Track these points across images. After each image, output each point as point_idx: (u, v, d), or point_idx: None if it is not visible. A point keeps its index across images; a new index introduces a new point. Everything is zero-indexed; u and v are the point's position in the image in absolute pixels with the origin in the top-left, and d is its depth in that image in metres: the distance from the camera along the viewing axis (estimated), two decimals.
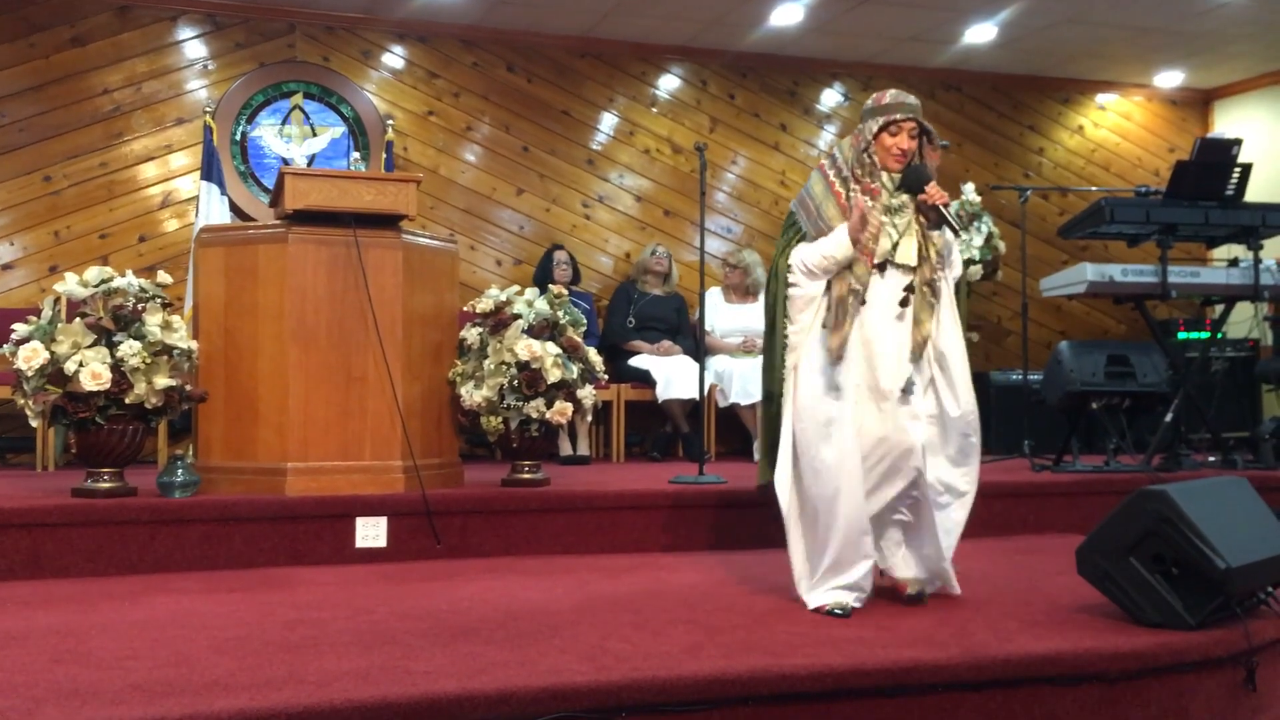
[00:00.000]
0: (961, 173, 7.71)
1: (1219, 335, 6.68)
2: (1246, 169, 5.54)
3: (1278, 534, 3.46)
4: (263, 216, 6.47)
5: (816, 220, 3.36)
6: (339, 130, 6.89)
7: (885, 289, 3.33)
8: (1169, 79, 8.10)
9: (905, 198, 3.34)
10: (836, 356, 3.25)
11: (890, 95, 3.37)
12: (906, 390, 3.31)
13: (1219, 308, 6.03)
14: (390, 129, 6.82)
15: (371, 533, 4.21)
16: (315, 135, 6.85)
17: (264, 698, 2.39)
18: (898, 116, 3.32)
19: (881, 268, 3.32)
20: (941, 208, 3.28)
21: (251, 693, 2.43)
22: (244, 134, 6.73)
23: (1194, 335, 7.06)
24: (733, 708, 2.65)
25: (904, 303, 3.32)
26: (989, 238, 7.19)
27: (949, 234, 3.37)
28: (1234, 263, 5.77)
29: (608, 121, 7.39)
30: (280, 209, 4.49)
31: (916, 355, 3.32)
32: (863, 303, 3.30)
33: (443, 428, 4.65)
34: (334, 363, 4.34)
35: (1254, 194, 5.81)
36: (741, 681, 2.66)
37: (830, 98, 7.78)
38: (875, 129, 3.34)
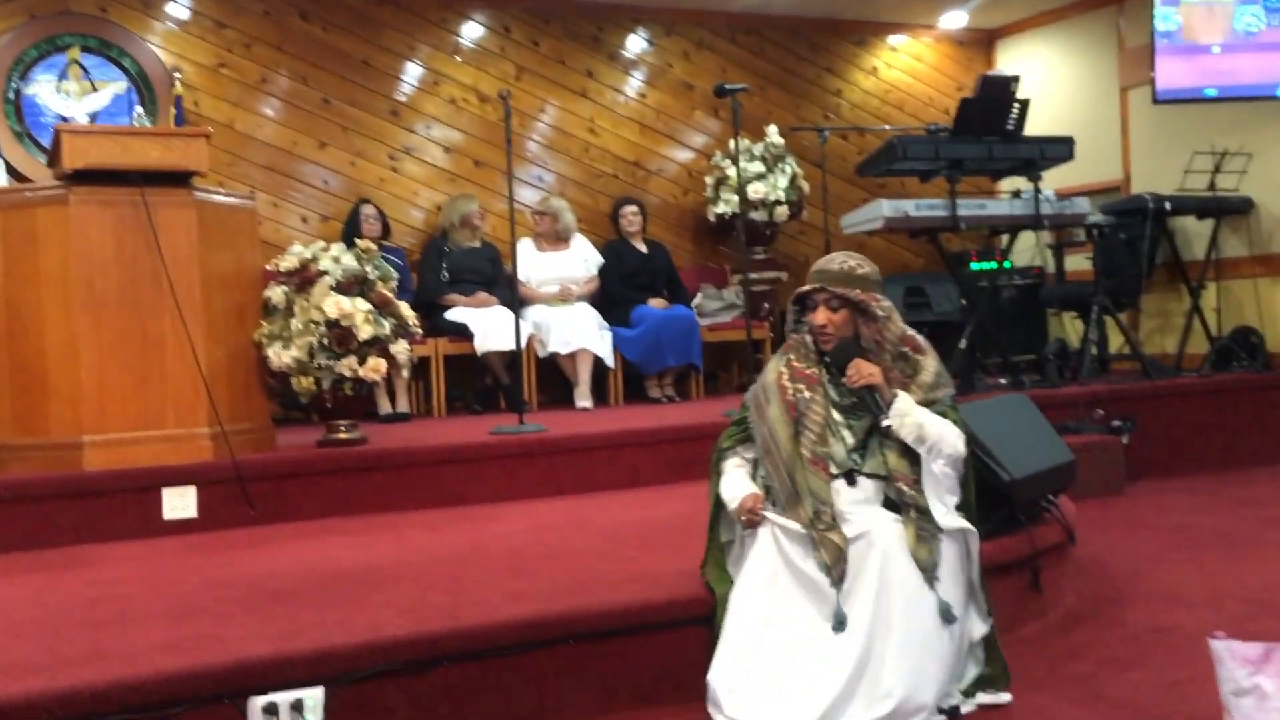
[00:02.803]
0: (764, 115, 7.87)
1: (1006, 265, 7.07)
2: (1025, 104, 5.84)
3: (1058, 447, 3.72)
4: (43, 179, 6.08)
5: (763, 422, 2.80)
6: (121, 85, 6.52)
7: (862, 498, 2.74)
8: (954, 19, 8.42)
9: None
10: (839, 576, 2.61)
11: (812, 270, 2.85)
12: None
13: (1005, 237, 6.37)
14: (178, 83, 6.50)
15: (180, 503, 4.07)
16: (96, 91, 6.46)
17: (65, 677, 2.30)
18: (806, 288, 2.81)
19: (849, 479, 2.74)
20: (867, 393, 2.74)
21: (52, 674, 2.33)
22: (18, 91, 6.29)
23: (986, 266, 7.44)
24: (554, 647, 2.69)
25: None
26: (793, 179, 7.40)
27: (900, 414, 2.75)
28: (1017, 194, 6.09)
29: (411, 71, 7.22)
30: (59, 169, 4.24)
31: (930, 580, 2.65)
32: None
33: (251, 391, 4.51)
34: (128, 329, 4.15)
35: (1034, 128, 6.14)
36: (562, 622, 2.71)
37: (635, 43, 7.80)
38: (794, 315, 2.85)
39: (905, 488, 2.72)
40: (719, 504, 2.91)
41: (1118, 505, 5.15)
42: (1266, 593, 3.60)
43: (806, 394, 2.76)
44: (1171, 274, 6.99)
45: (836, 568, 2.62)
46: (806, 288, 2.83)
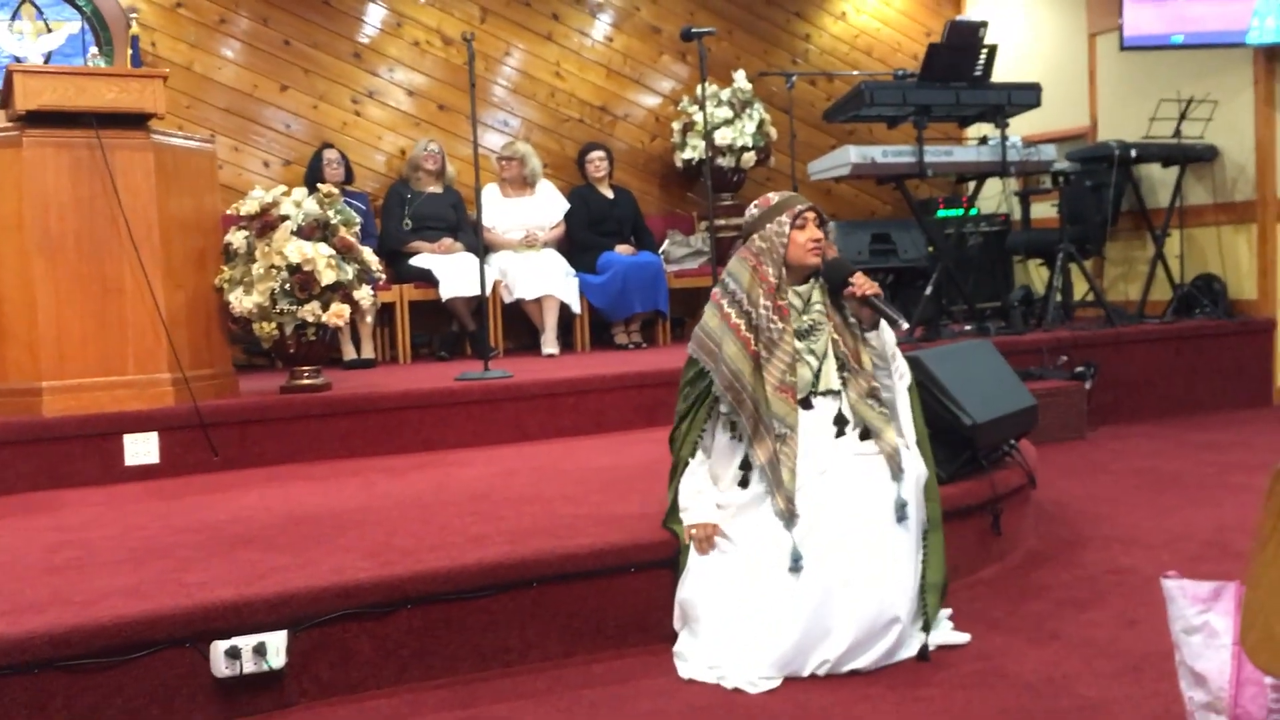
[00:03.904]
0: (732, 60, 7.80)
1: (973, 212, 7.08)
2: (993, 50, 5.81)
3: (1020, 392, 3.75)
4: None
5: (720, 362, 2.79)
6: (76, 25, 6.36)
7: (820, 420, 2.82)
8: None
9: (815, 316, 2.86)
10: (789, 515, 2.69)
11: (778, 196, 2.93)
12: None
13: (972, 184, 6.37)
14: (134, 23, 6.35)
15: (142, 449, 4.04)
16: (50, 31, 6.31)
17: (25, 622, 2.29)
18: (799, 208, 2.87)
19: (805, 402, 2.82)
20: (875, 299, 2.85)
21: (10, 619, 2.32)
22: None
23: (952, 213, 7.44)
24: (519, 590, 2.70)
25: (840, 432, 2.81)
26: (760, 124, 7.36)
27: (886, 329, 2.89)
28: (984, 141, 6.08)
29: (373, 12, 7.09)
30: (12, 110, 4.15)
31: (895, 474, 2.76)
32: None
33: (212, 337, 4.47)
34: (86, 274, 4.09)
35: (1001, 74, 6.12)
36: (526, 565, 2.72)
37: None
38: (786, 229, 2.85)
39: (877, 383, 2.87)
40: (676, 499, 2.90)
41: (1079, 450, 5.21)
42: (1221, 535, 3.66)
43: (780, 324, 2.80)
44: (1136, 221, 7.02)
45: (788, 508, 2.68)
46: (800, 206, 2.88)
